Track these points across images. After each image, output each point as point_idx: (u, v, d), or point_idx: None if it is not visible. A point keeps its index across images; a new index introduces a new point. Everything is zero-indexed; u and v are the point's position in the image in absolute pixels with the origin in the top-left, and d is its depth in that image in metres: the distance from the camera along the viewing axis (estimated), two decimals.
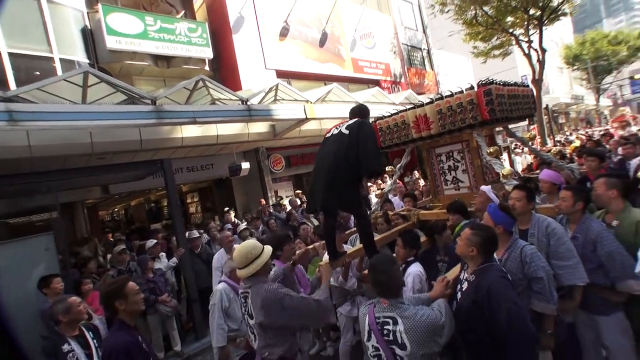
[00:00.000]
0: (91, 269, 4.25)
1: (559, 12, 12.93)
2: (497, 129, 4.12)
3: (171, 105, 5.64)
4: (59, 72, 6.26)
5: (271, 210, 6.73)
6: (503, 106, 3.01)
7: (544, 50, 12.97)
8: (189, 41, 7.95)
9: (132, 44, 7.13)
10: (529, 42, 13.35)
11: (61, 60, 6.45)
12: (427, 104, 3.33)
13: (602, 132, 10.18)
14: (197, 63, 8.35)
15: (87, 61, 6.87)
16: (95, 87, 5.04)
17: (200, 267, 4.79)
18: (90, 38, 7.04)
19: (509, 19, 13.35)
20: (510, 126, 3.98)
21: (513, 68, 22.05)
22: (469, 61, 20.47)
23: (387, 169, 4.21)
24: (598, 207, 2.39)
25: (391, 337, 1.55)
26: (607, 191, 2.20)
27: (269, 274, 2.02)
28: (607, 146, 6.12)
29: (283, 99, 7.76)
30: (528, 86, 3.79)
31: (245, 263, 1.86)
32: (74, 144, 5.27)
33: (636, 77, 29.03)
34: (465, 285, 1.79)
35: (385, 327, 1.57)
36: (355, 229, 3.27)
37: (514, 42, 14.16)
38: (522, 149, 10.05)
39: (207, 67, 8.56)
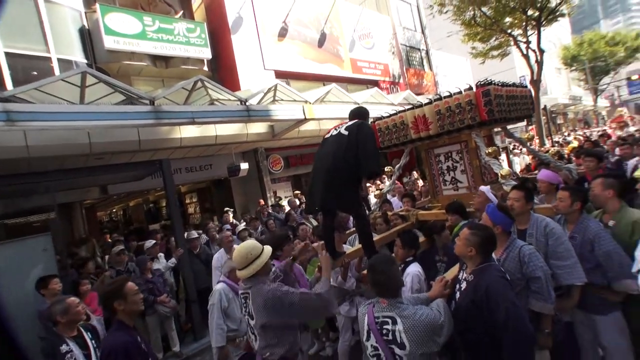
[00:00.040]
0: (89, 270, 4.24)
1: (557, 13, 12.99)
2: (496, 129, 4.13)
3: (170, 106, 5.63)
4: (57, 72, 6.24)
5: (270, 211, 6.73)
6: (501, 107, 3.02)
7: (542, 51, 13.03)
8: (188, 41, 7.94)
9: (130, 44, 7.11)
10: (527, 42, 13.41)
11: (59, 60, 6.42)
12: (425, 104, 3.33)
13: (599, 133, 10.23)
14: (195, 63, 8.34)
15: (85, 61, 6.85)
16: (94, 88, 5.02)
17: (199, 267, 4.79)
18: (88, 38, 7.02)
19: (508, 19, 13.40)
20: (509, 127, 3.99)
21: (511, 69, 22.13)
22: (468, 62, 20.53)
23: (386, 169, 4.22)
24: (596, 207, 2.41)
25: (390, 337, 1.55)
26: (604, 191, 2.21)
27: (269, 274, 2.02)
28: (605, 147, 6.15)
29: (282, 100, 7.76)
30: (526, 87, 3.81)
31: (245, 264, 1.85)
32: (72, 144, 5.26)
33: (633, 78, 29.18)
34: (464, 285, 1.80)
35: (385, 326, 1.57)
36: (354, 229, 3.27)
37: (512, 43, 14.23)
38: (521, 149, 10.08)
39: (205, 68, 8.55)
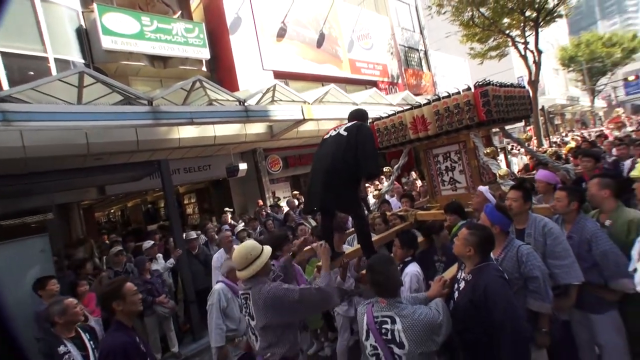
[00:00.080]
0: (87, 271, 4.22)
1: (555, 14, 13.04)
2: (494, 130, 4.15)
3: (168, 106, 5.62)
4: (54, 72, 6.21)
5: (268, 211, 6.72)
6: (500, 107, 3.03)
7: (539, 52, 13.09)
8: (186, 42, 7.92)
9: (128, 44, 7.09)
10: (525, 43, 13.47)
11: (56, 60, 6.39)
12: (424, 105, 3.34)
13: (597, 133, 10.28)
14: (194, 64, 8.32)
15: (83, 61, 6.82)
16: (91, 88, 5.00)
17: (197, 268, 4.78)
18: (86, 38, 6.99)
19: (506, 20, 13.45)
20: (507, 127, 4.01)
21: (509, 69, 22.21)
22: (466, 62, 20.59)
23: (384, 169, 4.22)
24: (593, 207, 2.42)
25: (389, 336, 1.56)
26: (600, 191, 2.23)
27: (269, 275, 2.02)
28: (602, 147, 6.19)
29: (280, 100, 7.76)
30: (524, 87, 3.83)
31: (245, 264, 1.85)
32: (69, 144, 5.23)
33: (630, 78, 29.42)
34: (462, 285, 1.80)
35: (384, 326, 1.58)
36: (353, 229, 3.27)
37: (510, 44, 14.28)
38: (519, 149, 10.12)
39: (204, 68, 8.53)
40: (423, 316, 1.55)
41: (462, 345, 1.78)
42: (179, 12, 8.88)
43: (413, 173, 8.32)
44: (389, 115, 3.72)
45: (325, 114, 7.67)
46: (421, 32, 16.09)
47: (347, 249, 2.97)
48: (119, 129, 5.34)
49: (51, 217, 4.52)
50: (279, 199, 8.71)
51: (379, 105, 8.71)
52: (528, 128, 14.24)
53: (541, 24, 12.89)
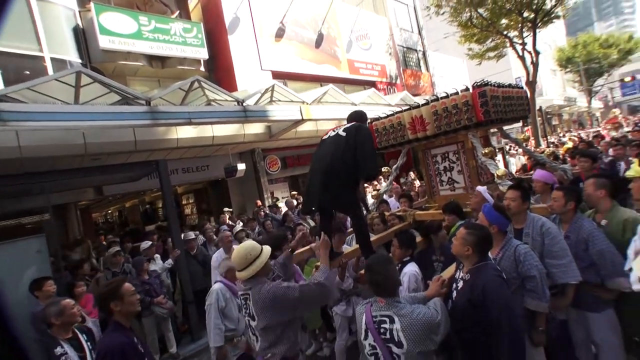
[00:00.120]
0: (84, 272, 4.20)
1: (552, 15, 13.13)
2: (492, 130, 4.17)
3: (166, 106, 5.60)
4: (50, 71, 6.17)
5: (267, 212, 6.71)
6: (497, 108, 3.05)
7: (537, 53, 13.16)
8: (184, 42, 7.90)
9: (125, 44, 7.06)
10: (523, 44, 13.54)
11: (52, 59, 6.34)
12: (422, 105, 3.35)
13: (594, 134, 10.34)
14: (192, 64, 8.30)
15: (80, 61, 6.78)
16: (88, 88, 4.98)
17: (195, 268, 4.76)
18: (83, 37, 6.95)
19: (504, 21, 13.53)
20: (505, 127, 4.03)
21: (507, 70, 22.33)
22: (464, 63, 20.68)
23: (383, 170, 4.23)
24: (589, 207, 2.44)
25: (388, 336, 1.56)
26: (596, 191, 2.25)
27: (269, 274, 2.01)
28: (599, 147, 6.22)
29: (279, 100, 7.75)
30: (522, 88, 3.85)
31: (244, 264, 1.84)
32: (66, 144, 5.20)
33: (626, 79, 29.62)
34: (460, 284, 1.81)
35: (382, 325, 1.58)
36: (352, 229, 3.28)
37: (508, 45, 14.35)
38: (517, 150, 10.17)
39: (202, 68, 8.52)
40: (421, 315, 1.56)
41: (461, 345, 1.79)
42: (177, 12, 8.86)
43: (411, 173, 8.34)
44: (388, 116, 3.73)
45: (323, 115, 7.67)
46: (419, 33, 16.13)
47: (345, 249, 2.97)
48: (116, 129, 5.32)
49: (48, 218, 4.48)
50: (277, 199, 8.70)
51: (378, 106, 8.72)
52: (526, 128, 14.33)
53: (539, 25, 12.97)
